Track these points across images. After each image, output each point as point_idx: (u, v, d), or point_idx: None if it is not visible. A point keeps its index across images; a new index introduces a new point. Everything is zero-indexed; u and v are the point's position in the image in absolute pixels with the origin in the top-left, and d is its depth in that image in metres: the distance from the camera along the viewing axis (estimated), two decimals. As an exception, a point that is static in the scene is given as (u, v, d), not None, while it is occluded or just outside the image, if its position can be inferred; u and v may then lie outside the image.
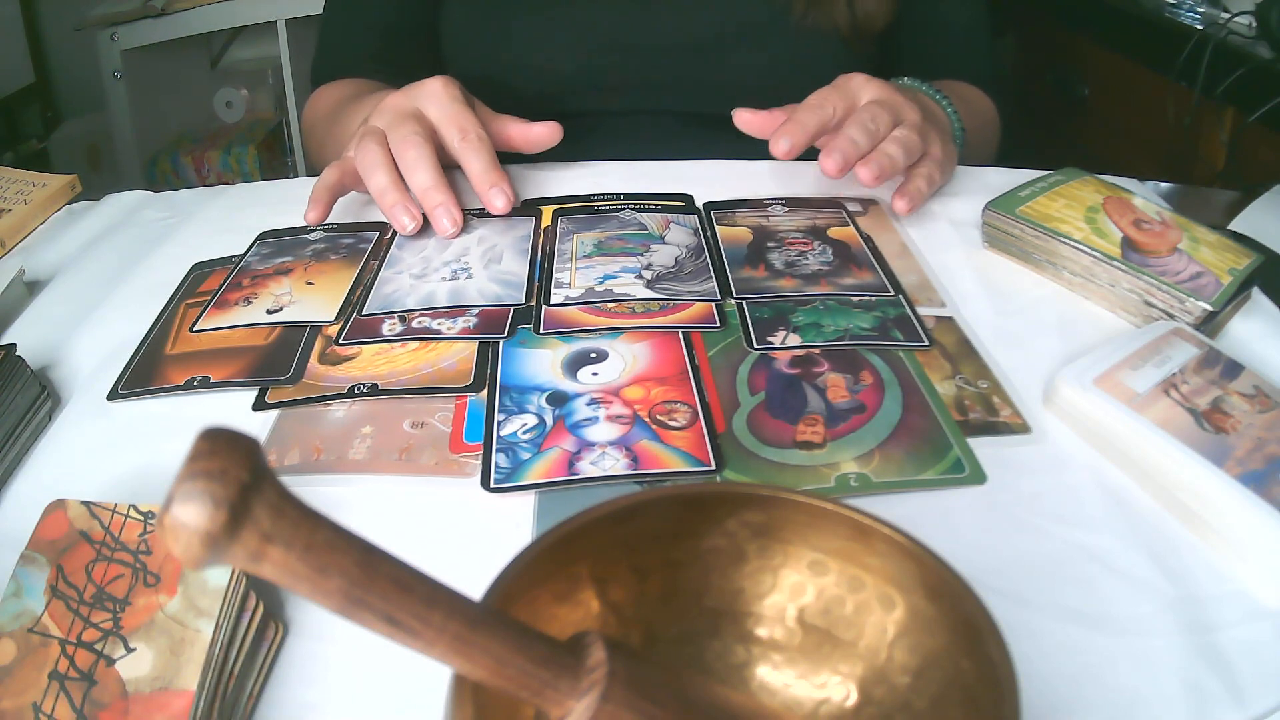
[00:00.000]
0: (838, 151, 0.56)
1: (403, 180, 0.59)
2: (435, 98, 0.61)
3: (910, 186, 0.60)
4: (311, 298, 0.55)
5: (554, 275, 0.56)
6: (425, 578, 0.20)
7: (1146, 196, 0.58)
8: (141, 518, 0.35)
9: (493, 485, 0.41)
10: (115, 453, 0.44)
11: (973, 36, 0.83)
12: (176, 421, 0.46)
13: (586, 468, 0.41)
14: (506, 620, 0.22)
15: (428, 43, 0.81)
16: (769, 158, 0.68)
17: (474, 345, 0.50)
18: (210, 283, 0.57)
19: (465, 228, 0.61)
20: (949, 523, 0.39)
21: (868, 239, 0.59)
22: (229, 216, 0.66)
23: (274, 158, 1.90)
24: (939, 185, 0.62)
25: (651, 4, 0.74)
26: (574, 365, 0.48)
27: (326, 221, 0.62)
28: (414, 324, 0.51)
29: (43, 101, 1.93)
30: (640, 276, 0.55)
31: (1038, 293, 0.55)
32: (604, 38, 0.74)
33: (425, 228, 0.60)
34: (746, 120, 0.61)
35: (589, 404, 0.45)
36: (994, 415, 0.45)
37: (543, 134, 0.64)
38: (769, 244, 0.59)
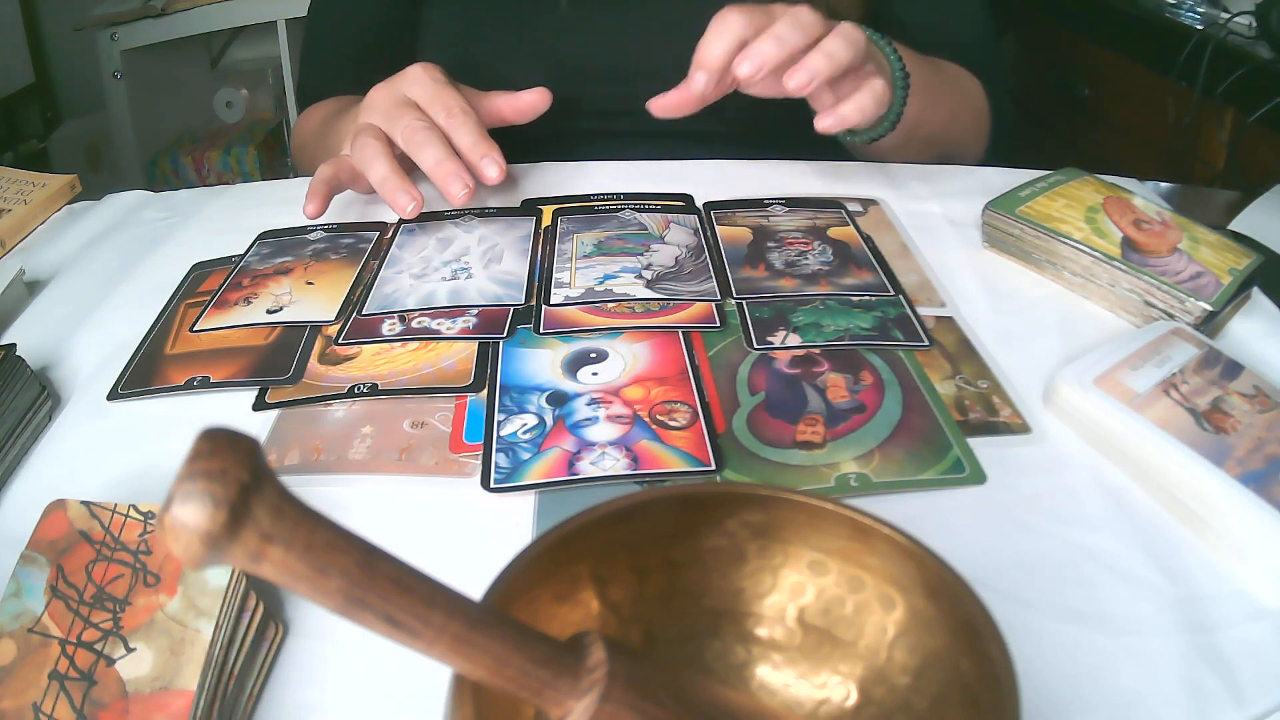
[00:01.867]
0: (756, 55, 0.52)
1: (401, 169, 0.59)
2: (418, 81, 0.62)
3: (840, 107, 0.55)
4: (311, 298, 0.55)
5: (554, 275, 0.56)
6: (425, 578, 0.20)
7: (1146, 196, 0.58)
8: (141, 518, 0.35)
9: (493, 485, 0.41)
10: (115, 453, 0.44)
11: (979, 43, 0.82)
12: (176, 421, 0.46)
13: (586, 468, 0.41)
14: (506, 620, 0.22)
15: (409, 62, 0.81)
16: (769, 158, 0.67)
17: (474, 345, 0.50)
18: (210, 283, 0.57)
19: (465, 227, 0.61)
20: (949, 523, 0.39)
21: (868, 239, 0.59)
22: (229, 216, 0.66)
23: (274, 158, 1.91)
24: (869, 113, 0.56)
25: (629, 29, 0.73)
26: (574, 365, 0.48)
27: (325, 219, 0.62)
28: (414, 324, 0.51)
29: (43, 101, 1.94)
30: (640, 276, 0.55)
31: (1038, 293, 0.55)
32: (583, 66, 0.73)
33: (424, 224, 0.60)
34: (663, 106, 0.58)
35: (589, 404, 0.45)
36: (994, 415, 0.45)
37: (532, 100, 0.64)
38: (769, 244, 0.59)
